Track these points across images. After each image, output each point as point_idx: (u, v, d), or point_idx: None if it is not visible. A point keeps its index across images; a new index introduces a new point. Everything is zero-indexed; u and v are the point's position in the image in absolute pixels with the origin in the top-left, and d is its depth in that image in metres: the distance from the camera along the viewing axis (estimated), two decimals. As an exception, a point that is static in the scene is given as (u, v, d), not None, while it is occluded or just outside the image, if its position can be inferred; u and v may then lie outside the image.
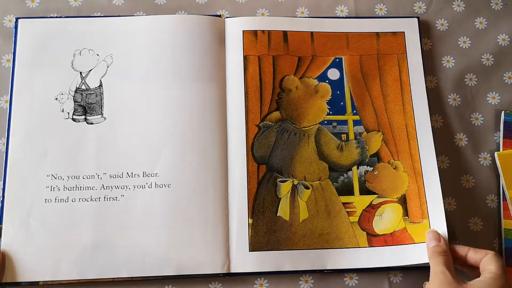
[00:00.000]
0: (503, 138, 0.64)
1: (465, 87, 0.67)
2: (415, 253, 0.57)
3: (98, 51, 0.62)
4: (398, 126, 0.62)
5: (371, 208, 0.60)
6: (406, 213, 0.59)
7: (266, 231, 0.58)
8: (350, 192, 0.60)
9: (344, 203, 0.60)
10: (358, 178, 0.61)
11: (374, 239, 0.58)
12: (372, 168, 0.61)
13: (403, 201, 0.60)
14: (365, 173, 0.61)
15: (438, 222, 0.58)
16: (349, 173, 0.61)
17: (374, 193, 0.60)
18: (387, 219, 0.59)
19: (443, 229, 0.57)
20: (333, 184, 0.60)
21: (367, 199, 0.60)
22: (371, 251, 0.58)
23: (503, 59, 0.68)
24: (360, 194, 0.60)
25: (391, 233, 0.59)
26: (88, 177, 0.58)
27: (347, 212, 0.59)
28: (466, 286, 0.49)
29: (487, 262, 0.51)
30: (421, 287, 0.56)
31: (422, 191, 0.60)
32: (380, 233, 0.59)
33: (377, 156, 0.61)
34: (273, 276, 0.58)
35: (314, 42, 0.64)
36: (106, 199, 0.57)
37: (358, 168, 0.61)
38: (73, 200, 0.57)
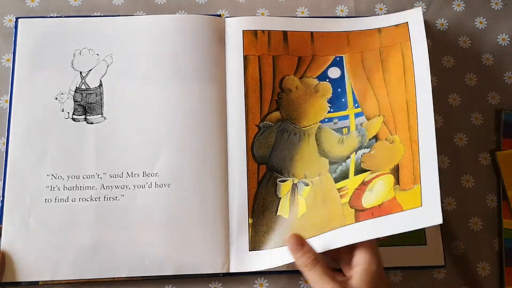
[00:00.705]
0: (503, 138, 0.64)
1: (465, 87, 0.67)
2: (401, 222, 0.53)
3: (98, 51, 0.62)
4: (399, 104, 0.58)
5: (363, 185, 0.57)
6: (397, 181, 0.56)
7: (266, 231, 0.57)
8: (346, 177, 0.58)
9: (338, 189, 0.58)
10: (354, 162, 0.59)
11: (361, 214, 0.55)
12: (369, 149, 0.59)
13: (395, 170, 0.56)
14: (361, 156, 0.59)
15: (430, 185, 0.53)
16: (348, 160, 0.59)
17: (368, 171, 0.58)
18: (377, 191, 0.56)
19: (435, 191, 0.52)
20: (331, 175, 0.59)
21: (360, 178, 0.57)
22: (356, 226, 0.54)
23: (503, 59, 0.68)
24: (355, 175, 0.58)
25: (379, 205, 0.55)
26: (88, 176, 0.58)
27: (340, 195, 0.57)
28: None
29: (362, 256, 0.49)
30: (423, 286, 0.55)
31: (417, 156, 0.55)
32: (367, 207, 0.55)
33: (375, 138, 0.59)
34: (273, 276, 0.58)
35: (314, 42, 0.64)
36: (106, 199, 0.57)
37: (356, 153, 0.59)
38: (73, 200, 0.57)
